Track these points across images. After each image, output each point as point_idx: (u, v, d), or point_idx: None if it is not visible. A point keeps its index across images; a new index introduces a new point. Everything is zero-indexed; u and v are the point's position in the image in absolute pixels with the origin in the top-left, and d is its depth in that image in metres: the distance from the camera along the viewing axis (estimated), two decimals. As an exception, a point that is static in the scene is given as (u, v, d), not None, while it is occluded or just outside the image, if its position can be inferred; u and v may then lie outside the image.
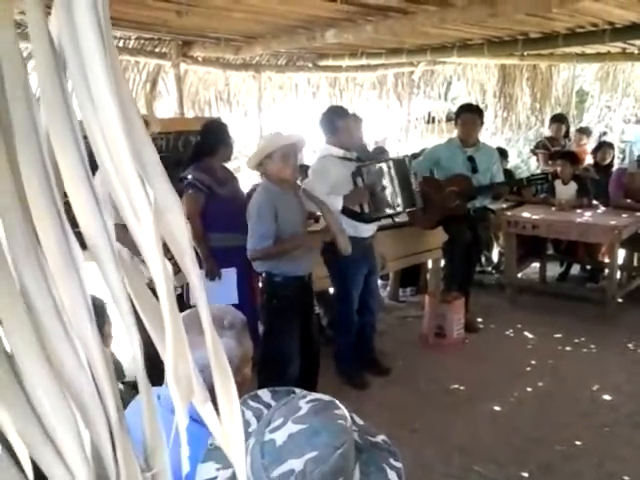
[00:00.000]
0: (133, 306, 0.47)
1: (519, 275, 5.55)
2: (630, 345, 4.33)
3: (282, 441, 0.89)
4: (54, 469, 0.42)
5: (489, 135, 7.67)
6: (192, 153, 3.68)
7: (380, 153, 5.04)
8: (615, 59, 6.26)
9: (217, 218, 3.38)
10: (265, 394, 1.07)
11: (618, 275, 5.12)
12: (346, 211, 3.50)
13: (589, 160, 6.37)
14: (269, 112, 6.53)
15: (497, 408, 3.51)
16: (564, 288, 5.66)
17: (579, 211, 5.12)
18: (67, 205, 0.46)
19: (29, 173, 0.42)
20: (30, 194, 0.42)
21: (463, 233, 4.36)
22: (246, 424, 0.99)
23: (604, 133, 8.93)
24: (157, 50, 5.18)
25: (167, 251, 0.47)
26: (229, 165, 3.76)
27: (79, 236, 0.46)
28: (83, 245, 0.46)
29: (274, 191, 2.98)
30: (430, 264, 5.31)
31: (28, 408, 0.41)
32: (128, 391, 1.81)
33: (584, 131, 7.04)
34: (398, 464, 0.98)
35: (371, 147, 5.62)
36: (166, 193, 0.46)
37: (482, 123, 4.57)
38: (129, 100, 0.45)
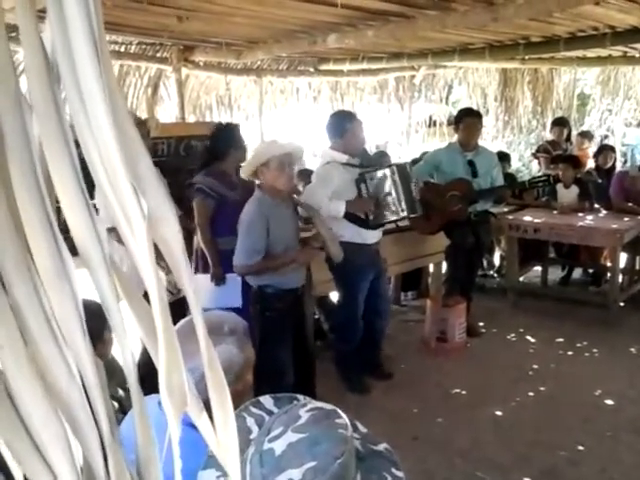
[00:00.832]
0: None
1: (521, 279, 5.53)
2: (633, 349, 4.31)
3: (281, 450, 0.88)
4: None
5: (490, 139, 7.68)
6: (203, 158, 3.68)
7: (381, 157, 5.03)
8: (616, 63, 6.26)
9: (226, 222, 3.34)
10: (267, 400, 1.06)
11: (620, 279, 5.10)
12: (350, 217, 3.50)
13: (591, 164, 6.36)
14: (270, 116, 6.54)
15: (499, 413, 3.49)
16: (566, 292, 5.64)
17: (581, 215, 5.10)
18: (58, 210, 0.46)
19: (21, 182, 0.42)
20: (21, 204, 0.42)
21: (466, 237, 4.35)
22: (247, 431, 0.98)
23: (605, 136, 8.91)
24: (158, 55, 5.20)
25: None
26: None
27: (70, 241, 0.45)
28: (74, 251, 0.46)
29: (267, 203, 2.91)
30: (431, 268, 5.30)
31: (17, 420, 0.40)
32: (130, 397, 1.80)
33: (586, 135, 7.03)
34: (400, 473, 0.97)
35: (372, 151, 5.62)
36: (160, 203, 0.46)
37: (481, 127, 4.58)
38: (123, 109, 0.45)
